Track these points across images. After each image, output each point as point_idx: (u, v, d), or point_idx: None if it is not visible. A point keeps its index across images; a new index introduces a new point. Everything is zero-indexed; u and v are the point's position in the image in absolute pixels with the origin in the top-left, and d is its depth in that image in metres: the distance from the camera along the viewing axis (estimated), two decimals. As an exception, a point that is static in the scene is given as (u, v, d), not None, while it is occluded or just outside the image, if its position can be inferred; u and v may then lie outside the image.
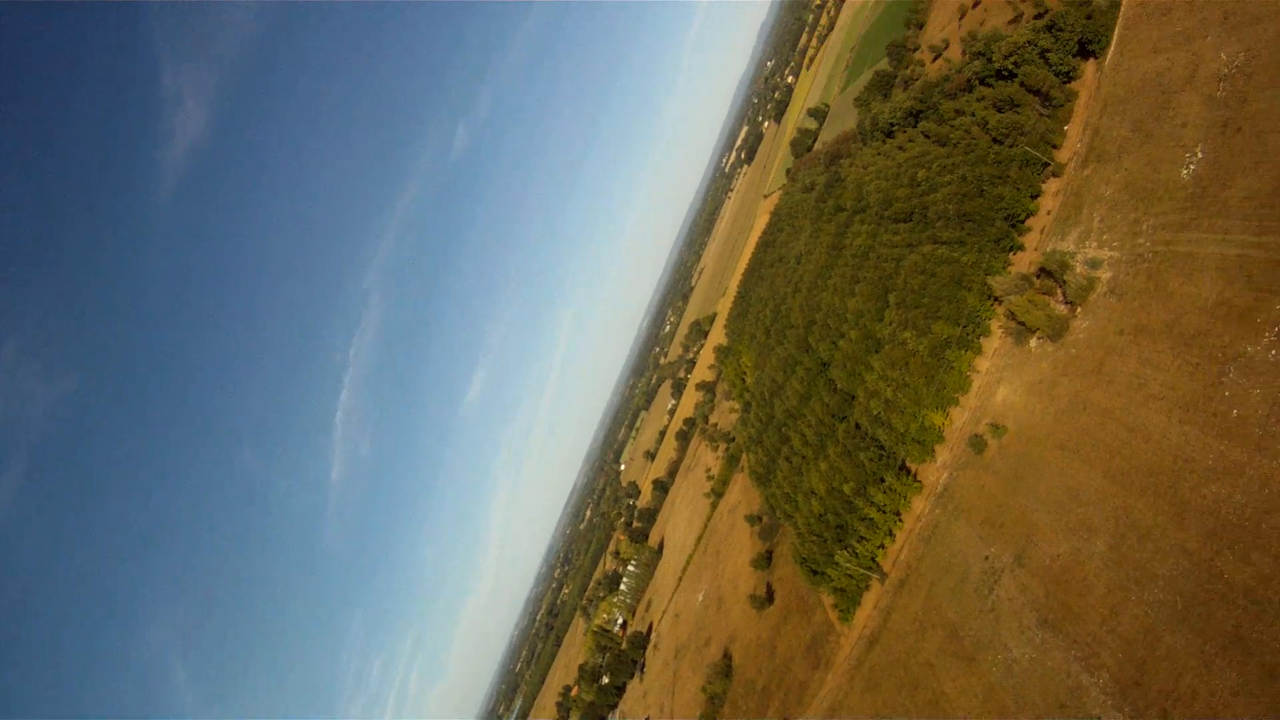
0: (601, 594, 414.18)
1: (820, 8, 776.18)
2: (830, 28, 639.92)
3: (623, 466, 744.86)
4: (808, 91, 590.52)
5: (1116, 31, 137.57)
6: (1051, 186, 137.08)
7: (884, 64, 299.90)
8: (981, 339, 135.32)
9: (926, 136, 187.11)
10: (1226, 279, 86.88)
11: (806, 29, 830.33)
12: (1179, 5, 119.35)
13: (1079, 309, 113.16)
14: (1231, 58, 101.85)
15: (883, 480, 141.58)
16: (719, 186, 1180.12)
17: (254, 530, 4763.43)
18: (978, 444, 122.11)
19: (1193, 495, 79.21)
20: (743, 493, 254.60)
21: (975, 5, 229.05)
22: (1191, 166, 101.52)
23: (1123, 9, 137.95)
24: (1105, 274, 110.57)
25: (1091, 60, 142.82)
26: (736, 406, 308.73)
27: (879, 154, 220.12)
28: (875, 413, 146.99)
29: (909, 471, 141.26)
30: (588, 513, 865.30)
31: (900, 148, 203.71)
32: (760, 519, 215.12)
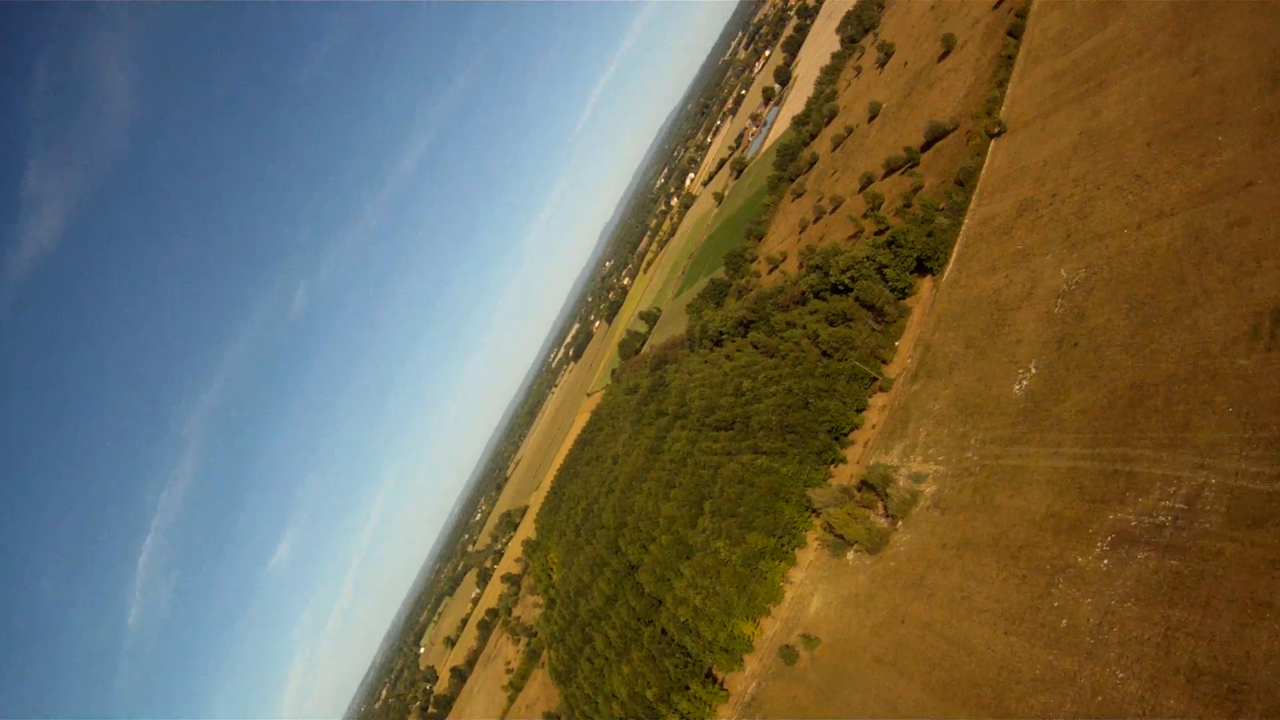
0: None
1: (664, 213, 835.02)
2: (672, 233, 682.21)
3: (422, 650, 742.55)
4: (642, 294, 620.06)
5: (956, 249, 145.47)
6: (879, 401, 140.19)
7: (720, 273, 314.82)
8: (797, 550, 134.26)
9: (755, 347, 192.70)
10: (1057, 491, 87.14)
11: (649, 233, 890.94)
12: (1021, 224, 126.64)
13: (900, 523, 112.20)
14: (1072, 274, 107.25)
15: (687, 688, 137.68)
16: (544, 381, 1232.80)
17: (40, 662, 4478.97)
18: (789, 655, 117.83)
19: (1019, 706, 76.06)
20: (542, 689, 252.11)
21: (816, 220, 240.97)
22: (1024, 382, 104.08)
23: (964, 228, 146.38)
24: (929, 488, 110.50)
25: (929, 277, 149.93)
26: (541, 602, 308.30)
27: (706, 361, 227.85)
28: (683, 619, 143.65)
29: (716, 680, 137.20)
30: (384, 692, 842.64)
31: (728, 356, 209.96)
32: (559, 718, 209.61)
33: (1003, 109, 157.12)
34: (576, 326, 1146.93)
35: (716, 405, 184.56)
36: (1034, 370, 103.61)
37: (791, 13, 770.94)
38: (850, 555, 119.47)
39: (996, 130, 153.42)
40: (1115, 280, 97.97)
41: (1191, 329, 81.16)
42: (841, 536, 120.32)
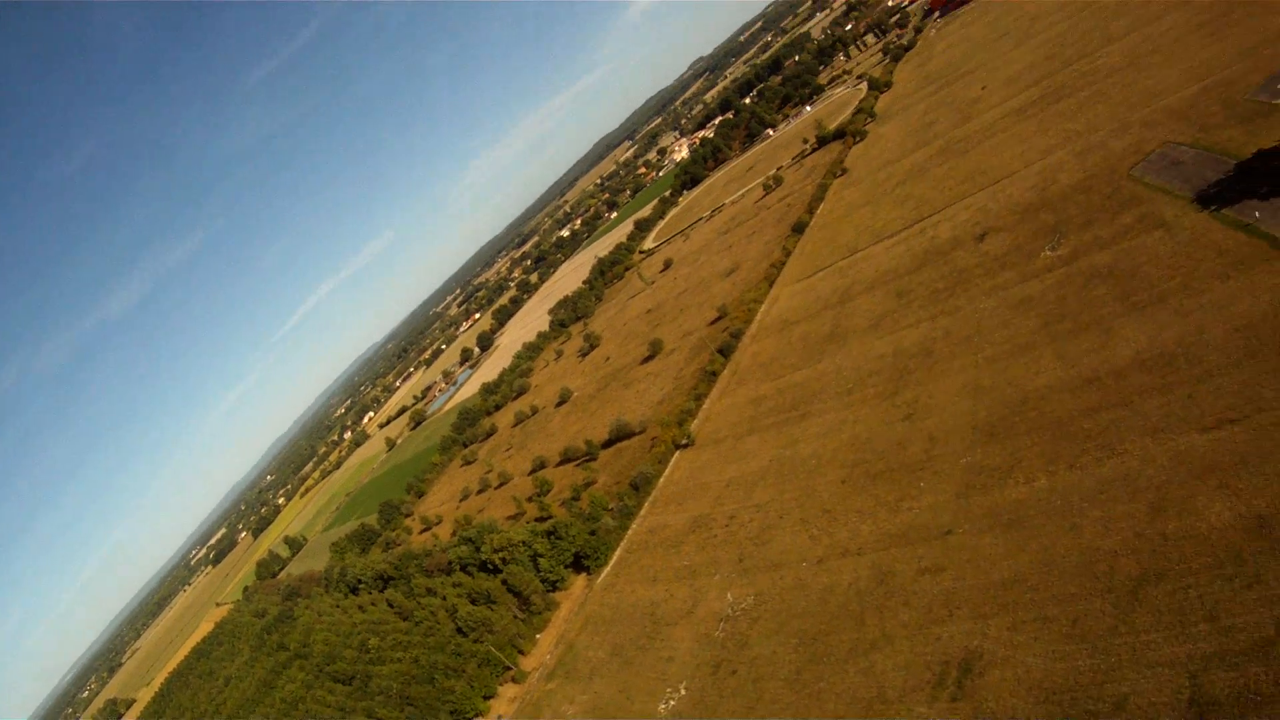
0: None
1: (335, 444, 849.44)
2: (337, 466, 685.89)
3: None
4: (293, 519, 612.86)
5: (617, 553, 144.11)
6: (509, 691, 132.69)
7: (374, 519, 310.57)
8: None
9: (391, 605, 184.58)
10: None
11: (315, 459, 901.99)
12: (692, 540, 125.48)
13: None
14: (739, 600, 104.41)
15: None
16: (179, 576, 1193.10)
17: None
18: None
19: None
20: None
21: (480, 491, 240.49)
22: (672, 702, 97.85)
23: (631, 532, 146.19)
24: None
25: (585, 575, 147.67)
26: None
27: (338, 606, 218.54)
28: None
29: None
30: None
31: (361, 608, 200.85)
32: None
33: (695, 422, 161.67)
34: (223, 531, 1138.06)
35: (339, 655, 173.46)
36: (684, 692, 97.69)
37: (512, 284, 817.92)
38: None
39: (684, 442, 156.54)
40: (786, 613, 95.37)
41: (867, 672, 77.71)
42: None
